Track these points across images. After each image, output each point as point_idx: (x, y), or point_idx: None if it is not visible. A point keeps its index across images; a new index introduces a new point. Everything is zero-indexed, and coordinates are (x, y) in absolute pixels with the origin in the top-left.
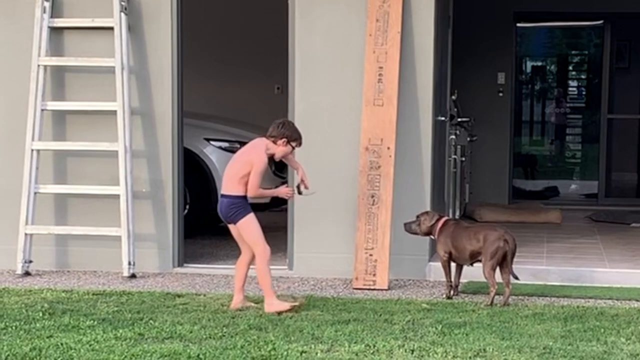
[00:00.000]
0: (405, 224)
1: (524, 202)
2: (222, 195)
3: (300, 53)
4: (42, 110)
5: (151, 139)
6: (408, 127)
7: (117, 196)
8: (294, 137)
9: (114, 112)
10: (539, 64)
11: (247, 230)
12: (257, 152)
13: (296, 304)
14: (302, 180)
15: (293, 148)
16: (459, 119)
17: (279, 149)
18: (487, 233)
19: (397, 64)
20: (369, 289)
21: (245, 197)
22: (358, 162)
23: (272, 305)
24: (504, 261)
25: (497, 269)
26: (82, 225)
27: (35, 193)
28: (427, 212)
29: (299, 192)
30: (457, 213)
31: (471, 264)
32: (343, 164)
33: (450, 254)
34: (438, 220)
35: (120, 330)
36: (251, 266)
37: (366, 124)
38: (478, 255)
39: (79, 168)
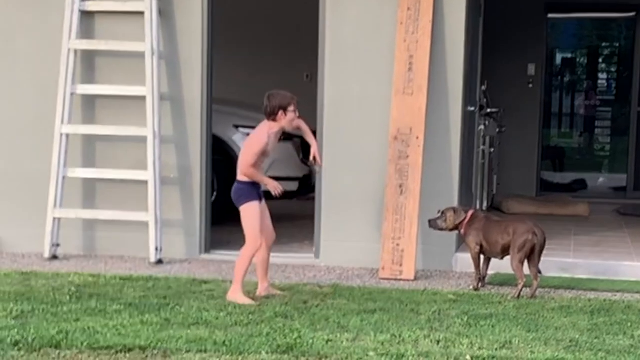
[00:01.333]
0: (430, 221)
1: (551, 194)
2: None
3: (331, 41)
4: (72, 94)
5: (180, 125)
6: (437, 116)
7: (145, 181)
8: (285, 103)
9: (143, 97)
10: (570, 55)
11: (245, 217)
12: (257, 132)
13: (253, 303)
14: (314, 157)
15: (294, 112)
16: (489, 110)
17: (282, 123)
18: (516, 226)
19: (428, 53)
20: (395, 279)
21: (252, 183)
22: (387, 151)
23: (235, 295)
24: (532, 254)
25: (526, 262)
26: (109, 209)
27: (63, 177)
28: (452, 209)
29: (310, 167)
30: (485, 204)
31: (502, 258)
32: (372, 153)
33: (481, 246)
34: (465, 213)
35: (147, 315)
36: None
37: (395, 113)
38: (509, 249)
39: (107, 152)
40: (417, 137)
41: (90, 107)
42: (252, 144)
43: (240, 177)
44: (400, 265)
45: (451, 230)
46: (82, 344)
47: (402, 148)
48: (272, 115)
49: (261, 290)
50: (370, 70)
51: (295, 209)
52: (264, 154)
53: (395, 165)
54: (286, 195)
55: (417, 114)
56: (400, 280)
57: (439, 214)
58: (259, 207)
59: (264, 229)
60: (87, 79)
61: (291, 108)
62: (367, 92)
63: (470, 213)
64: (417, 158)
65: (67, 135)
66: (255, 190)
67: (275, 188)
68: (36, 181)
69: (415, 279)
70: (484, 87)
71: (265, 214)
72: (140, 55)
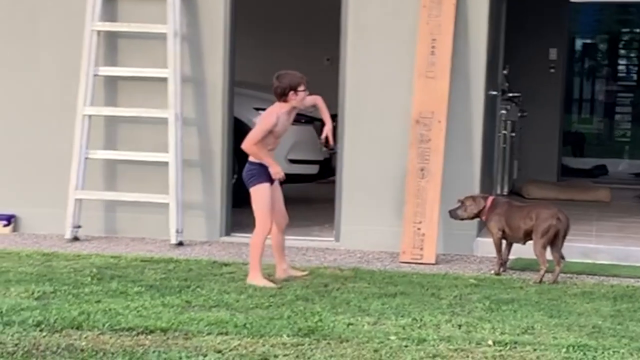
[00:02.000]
0: (450, 212)
1: (572, 180)
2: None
3: (353, 24)
4: (94, 75)
5: (201, 107)
6: (459, 100)
7: (167, 163)
8: (295, 83)
9: (165, 79)
10: (591, 40)
11: (255, 198)
12: (266, 112)
13: (274, 286)
14: (326, 137)
15: (304, 92)
16: (510, 94)
17: (294, 102)
18: (539, 211)
19: (451, 36)
20: (416, 263)
21: (261, 164)
22: (408, 135)
23: (255, 279)
24: (555, 239)
25: (548, 247)
26: (131, 191)
27: (85, 158)
28: (471, 197)
29: (325, 147)
30: (505, 189)
31: (524, 242)
32: (393, 137)
33: (503, 231)
34: (486, 201)
35: (168, 298)
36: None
37: (417, 96)
38: (532, 234)
39: (129, 134)
40: (439, 121)
41: (112, 88)
42: (260, 122)
43: (252, 157)
44: (421, 249)
45: (472, 218)
46: (103, 325)
47: (423, 131)
48: (282, 96)
49: (280, 273)
50: (392, 53)
51: (316, 192)
52: (273, 134)
53: (416, 149)
54: (306, 178)
55: (439, 98)
56: (421, 264)
57: (458, 204)
58: (269, 189)
59: (275, 211)
60: (110, 61)
61: (301, 88)
62: (389, 75)
63: (490, 199)
64: (439, 142)
65: (89, 117)
66: (266, 172)
67: (277, 173)
68: (58, 162)
69: (436, 263)
70: (505, 71)
71: (277, 196)
72: (163, 37)
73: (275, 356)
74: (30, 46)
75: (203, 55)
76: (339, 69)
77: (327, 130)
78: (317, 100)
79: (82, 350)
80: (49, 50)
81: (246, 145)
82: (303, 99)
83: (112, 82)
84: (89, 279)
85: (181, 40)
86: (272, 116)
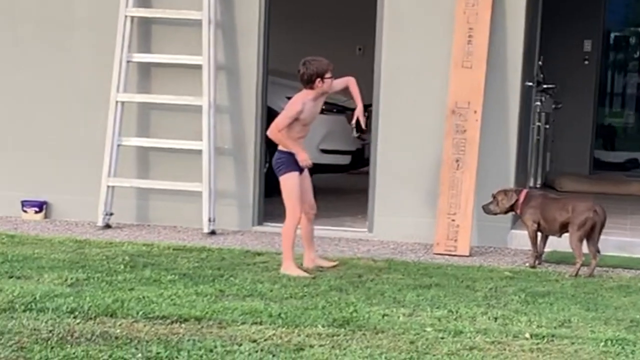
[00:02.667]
0: (483, 207)
1: (604, 173)
2: None
3: (389, 13)
4: (128, 62)
5: (235, 95)
6: (496, 91)
7: (200, 151)
8: (322, 70)
9: (199, 66)
10: (627, 33)
11: (284, 186)
12: (292, 99)
13: (308, 275)
14: (357, 121)
15: (330, 79)
16: (545, 86)
17: (322, 89)
18: (576, 204)
19: (488, 26)
20: (449, 255)
21: (291, 153)
22: (443, 125)
23: (288, 269)
24: (592, 232)
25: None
26: (163, 179)
27: (118, 145)
28: (503, 191)
29: (356, 131)
30: (539, 182)
31: (560, 235)
32: (427, 127)
33: (538, 224)
34: (519, 194)
35: (201, 286)
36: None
37: (453, 86)
38: (568, 226)
39: (162, 122)
40: (475, 111)
41: (145, 75)
42: (285, 109)
43: (281, 146)
44: (455, 240)
45: (506, 212)
46: (137, 313)
47: (459, 122)
48: (308, 83)
49: (308, 262)
50: (428, 42)
51: (348, 183)
52: (299, 121)
53: (452, 140)
54: (338, 168)
55: (475, 88)
56: (455, 256)
57: (492, 198)
58: (298, 178)
59: (304, 200)
60: (143, 47)
61: (327, 75)
62: (424, 65)
63: (524, 192)
64: (475, 133)
65: (122, 104)
66: (295, 160)
67: (304, 160)
68: (90, 149)
69: (470, 255)
70: (540, 62)
71: (306, 186)
72: (197, 24)
73: (311, 346)
74: (64, 32)
75: (237, 42)
76: (374, 59)
77: (358, 112)
78: (349, 81)
79: (116, 337)
80: (83, 37)
81: (271, 132)
82: (329, 87)
83: (145, 69)
84: (122, 266)
85: (215, 27)
86: (297, 103)
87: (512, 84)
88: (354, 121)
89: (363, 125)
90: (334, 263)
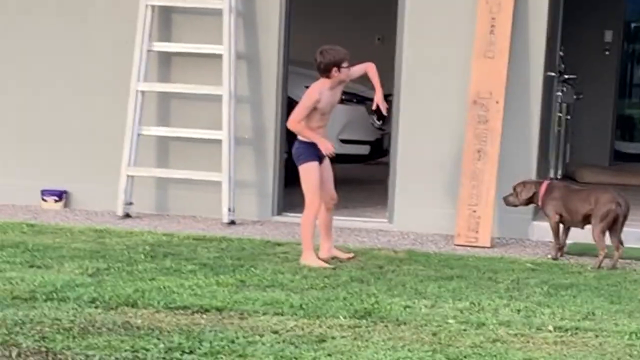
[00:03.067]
0: (503, 199)
1: (624, 164)
2: None
3: (410, 3)
4: (148, 51)
5: (255, 85)
6: (518, 81)
7: (219, 141)
8: (338, 59)
9: (220, 56)
10: None
11: (303, 176)
12: (309, 89)
13: (328, 266)
14: (377, 108)
15: (347, 68)
16: (566, 76)
17: (338, 78)
18: (599, 195)
19: (511, 16)
20: (470, 246)
21: (311, 143)
22: (464, 115)
23: (308, 259)
24: (615, 224)
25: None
26: (183, 169)
27: (138, 135)
28: (522, 183)
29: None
30: (559, 173)
31: (582, 227)
32: (449, 118)
33: (560, 215)
34: (539, 186)
35: (222, 276)
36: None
37: (475, 76)
38: (590, 218)
39: (182, 111)
40: (497, 102)
41: (166, 64)
42: (302, 99)
43: (300, 136)
44: (476, 232)
45: (526, 204)
46: (158, 303)
47: (481, 112)
48: (325, 72)
49: (324, 252)
50: (449, 32)
51: (366, 173)
52: (318, 111)
53: (473, 130)
54: (358, 159)
55: (497, 78)
56: (476, 247)
57: (512, 190)
58: (317, 168)
59: (324, 190)
60: (164, 36)
61: (344, 64)
62: (446, 55)
63: (545, 184)
64: (497, 123)
65: (143, 93)
66: (314, 150)
67: (327, 148)
68: (110, 139)
69: (491, 246)
70: (561, 53)
71: (326, 175)
72: (218, 13)
73: (333, 337)
74: (84, 21)
75: (258, 32)
76: (394, 48)
77: (379, 99)
78: (368, 67)
79: (138, 328)
80: (103, 26)
81: (290, 123)
82: (347, 76)
83: (166, 58)
84: (142, 256)
85: (236, 16)
86: (314, 93)
87: (535, 74)
88: (374, 107)
89: (384, 111)
90: (350, 255)
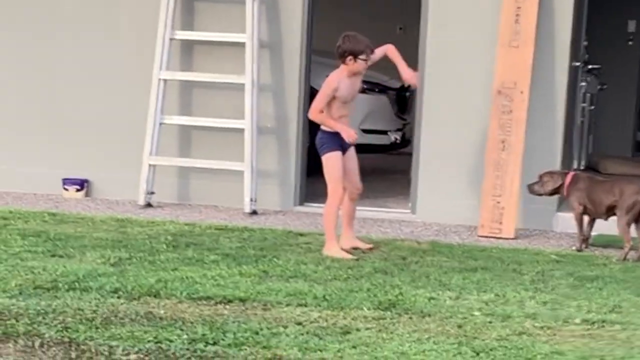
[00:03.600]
0: (528, 186)
1: None
2: None
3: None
4: (171, 39)
5: (278, 74)
6: (543, 71)
7: (241, 130)
8: (357, 49)
9: (243, 44)
10: None
11: (326, 166)
12: (328, 77)
13: (351, 257)
14: (400, 98)
15: (364, 62)
16: (590, 66)
17: (353, 68)
18: (624, 186)
19: (536, 4)
20: (494, 237)
21: (334, 132)
22: (488, 106)
23: (331, 250)
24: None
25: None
26: (205, 158)
27: (160, 124)
28: (549, 173)
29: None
30: (582, 164)
31: (606, 218)
32: (473, 108)
33: (585, 207)
34: (565, 177)
35: (244, 267)
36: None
37: (500, 66)
38: (615, 209)
39: (204, 100)
40: (522, 92)
41: (188, 53)
42: (322, 88)
43: (323, 126)
44: (500, 223)
45: (550, 194)
46: (181, 293)
47: (505, 102)
48: (341, 57)
49: (344, 242)
50: (474, 21)
51: (388, 163)
52: (338, 99)
53: (497, 120)
54: (377, 149)
55: (522, 68)
56: (500, 238)
57: (537, 179)
58: (340, 157)
59: (348, 180)
60: (186, 25)
61: (362, 56)
62: (470, 44)
63: (570, 175)
64: (521, 113)
65: (165, 81)
66: (337, 140)
67: (350, 136)
68: (132, 127)
69: (515, 237)
70: (585, 43)
71: (350, 165)
72: (241, 1)
73: (357, 329)
74: (106, 9)
75: (281, 20)
76: (416, 38)
77: (404, 70)
78: (388, 50)
79: (161, 318)
80: (125, 13)
81: (311, 113)
82: (362, 68)
83: (188, 47)
84: (165, 246)
85: (260, 4)
86: (332, 81)
87: (560, 64)
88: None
89: (415, 81)
90: (370, 245)
